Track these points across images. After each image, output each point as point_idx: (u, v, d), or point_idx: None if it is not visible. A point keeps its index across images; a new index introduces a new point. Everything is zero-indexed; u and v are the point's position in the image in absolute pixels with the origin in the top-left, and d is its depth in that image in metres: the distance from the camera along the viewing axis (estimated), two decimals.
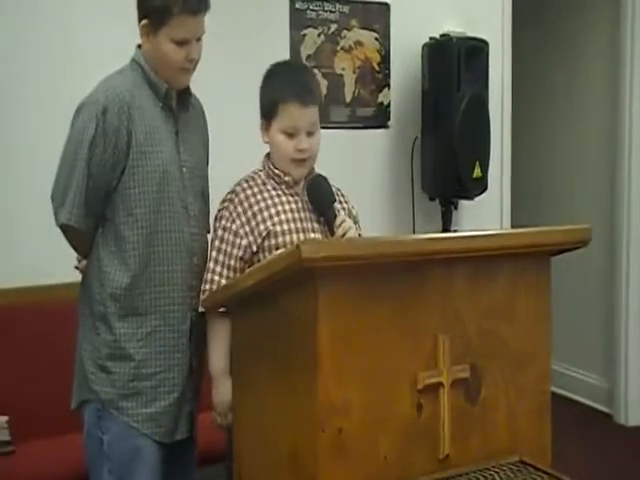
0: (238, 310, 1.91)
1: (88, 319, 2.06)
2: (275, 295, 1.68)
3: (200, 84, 2.17)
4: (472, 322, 1.73)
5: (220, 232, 2.09)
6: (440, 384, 1.67)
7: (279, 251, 2.00)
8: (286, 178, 2.13)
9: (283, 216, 2.08)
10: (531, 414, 1.83)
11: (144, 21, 2.01)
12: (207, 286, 2.07)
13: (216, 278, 2.06)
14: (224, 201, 2.14)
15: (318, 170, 2.22)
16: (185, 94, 2.14)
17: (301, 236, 2.06)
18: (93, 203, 1.99)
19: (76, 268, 2.14)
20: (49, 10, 3.12)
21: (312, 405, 1.56)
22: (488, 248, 1.71)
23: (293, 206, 2.11)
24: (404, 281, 1.64)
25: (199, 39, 2.04)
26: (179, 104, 2.12)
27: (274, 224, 2.06)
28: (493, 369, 1.76)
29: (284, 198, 2.11)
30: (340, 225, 2.06)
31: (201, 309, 2.07)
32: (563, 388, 4.49)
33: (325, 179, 2.15)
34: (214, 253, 2.08)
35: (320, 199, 2.11)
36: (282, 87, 2.09)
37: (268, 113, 2.11)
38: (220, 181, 2.20)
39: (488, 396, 1.76)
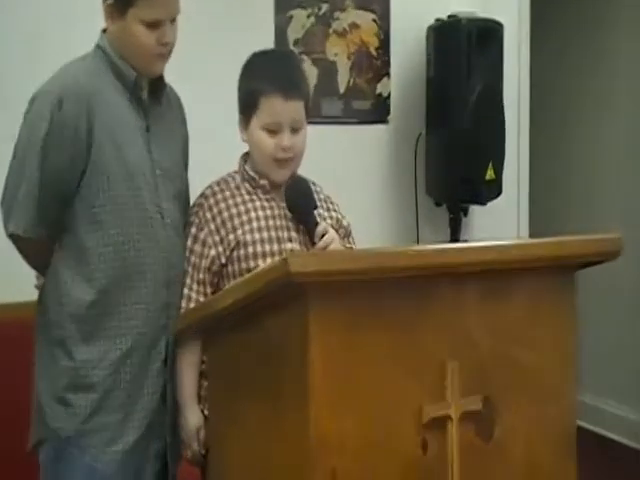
0: (215, 333, 1.92)
1: (45, 346, 2.06)
2: (258, 317, 1.69)
3: (173, 73, 2.18)
4: (485, 347, 1.74)
5: (189, 242, 2.13)
6: (448, 418, 1.68)
7: (262, 265, 2.02)
8: (262, 182, 2.15)
9: (255, 224, 2.11)
10: (554, 451, 1.84)
11: (109, 0, 2.02)
12: (184, 303, 2.11)
13: (185, 291, 2.11)
14: (193, 206, 2.18)
15: (306, 172, 2.23)
16: (158, 84, 2.14)
17: (275, 247, 2.09)
18: (48, 210, 2.00)
19: (36, 287, 2.14)
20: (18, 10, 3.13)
21: (303, 442, 1.57)
22: (504, 261, 1.73)
23: (268, 213, 2.13)
24: (407, 299, 1.65)
25: (173, 20, 2.05)
26: (151, 96, 2.13)
27: (244, 233, 2.09)
28: (510, 400, 1.77)
29: (258, 204, 2.14)
30: (321, 236, 2.08)
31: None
32: (590, 422, 4.51)
33: (306, 182, 2.18)
34: (185, 265, 2.13)
35: (299, 205, 2.13)
36: (263, 78, 2.12)
37: (247, 108, 2.14)
38: (199, 184, 2.21)
39: (504, 431, 1.77)
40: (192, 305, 2.09)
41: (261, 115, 2.11)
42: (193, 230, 2.14)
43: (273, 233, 2.11)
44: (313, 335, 1.55)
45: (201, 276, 2.10)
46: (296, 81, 2.17)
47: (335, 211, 2.25)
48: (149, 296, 2.05)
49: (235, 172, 2.21)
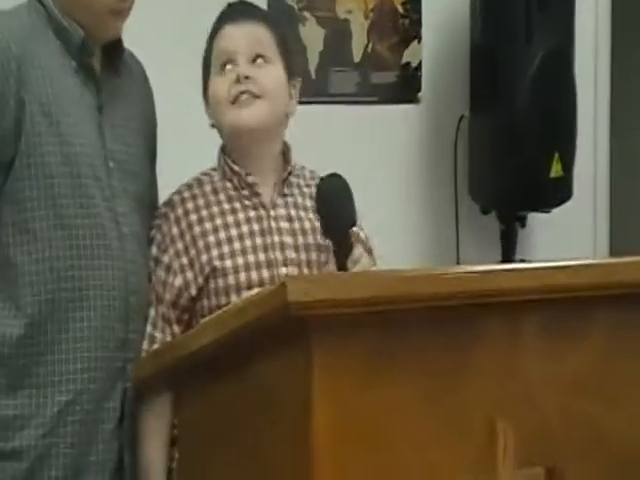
0: (187, 384, 1.93)
1: None
2: (245, 362, 1.71)
3: (132, 36, 2.21)
4: (550, 401, 1.75)
5: (152, 264, 2.16)
6: None
7: (246, 294, 2.04)
8: (250, 179, 2.17)
9: (237, 245, 2.12)
10: None
11: None
12: (145, 344, 2.13)
13: (148, 329, 2.14)
14: (156, 217, 2.20)
15: (311, 165, 2.25)
16: (115, 50, 2.17)
17: (264, 274, 2.11)
18: None
19: None
20: None
21: None
22: (574, 287, 1.73)
23: (255, 227, 2.15)
24: (444, 338, 1.66)
25: None
26: (105, 64, 2.15)
27: (222, 257, 2.11)
28: (582, 473, 1.78)
29: (242, 216, 2.16)
30: (356, 262, 2.07)
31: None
32: None
33: (346, 184, 2.14)
34: (150, 294, 2.15)
35: (336, 217, 2.10)
36: (216, 20, 2.21)
37: (205, 66, 2.20)
38: (173, 185, 2.24)
39: None
40: (156, 347, 2.10)
41: (214, 59, 2.17)
42: (154, 250, 2.16)
43: (262, 255, 2.12)
44: (318, 386, 1.56)
45: (164, 311, 2.13)
46: (252, 5, 2.23)
47: None
48: (99, 330, 2.06)
49: (213, 169, 2.23)
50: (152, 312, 2.14)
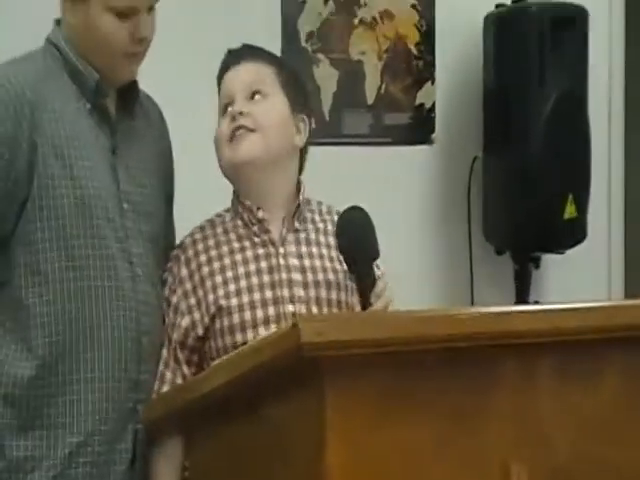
0: (199, 426, 1.93)
1: None
2: (256, 403, 1.70)
3: (147, 77, 2.22)
4: (563, 445, 1.74)
5: (164, 306, 2.17)
6: None
7: (251, 334, 2.05)
8: (260, 214, 2.17)
9: (244, 283, 2.12)
10: None
11: None
12: (156, 384, 2.13)
13: (160, 368, 2.14)
14: (169, 260, 2.22)
15: (322, 199, 2.25)
16: (130, 92, 2.18)
17: (270, 311, 2.10)
18: None
19: None
20: None
21: None
22: (589, 330, 1.72)
23: (262, 265, 2.14)
24: (458, 380, 1.65)
25: (151, 9, 2.09)
26: (120, 107, 2.16)
27: (228, 295, 2.10)
28: None
29: (250, 254, 2.15)
30: (380, 294, 2.07)
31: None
32: None
33: (367, 215, 2.12)
34: (164, 335, 2.16)
35: (358, 249, 2.08)
36: (219, 68, 2.25)
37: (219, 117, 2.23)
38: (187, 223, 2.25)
39: None
40: (166, 388, 2.10)
41: (219, 104, 2.20)
42: (166, 292, 2.18)
43: (268, 293, 2.11)
44: (331, 427, 1.55)
45: (172, 352, 2.13)
46: (250, 46, 2.25)
47: None
48: (110, 371, 2.06)
49: (226, 210, 2.24)
50: (164, 352, 2.14)
